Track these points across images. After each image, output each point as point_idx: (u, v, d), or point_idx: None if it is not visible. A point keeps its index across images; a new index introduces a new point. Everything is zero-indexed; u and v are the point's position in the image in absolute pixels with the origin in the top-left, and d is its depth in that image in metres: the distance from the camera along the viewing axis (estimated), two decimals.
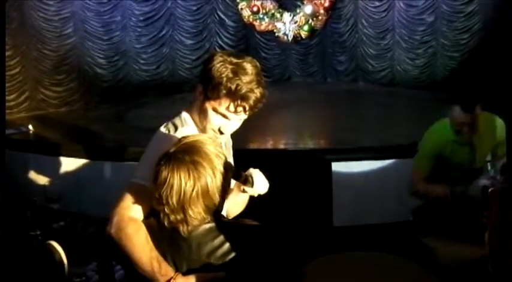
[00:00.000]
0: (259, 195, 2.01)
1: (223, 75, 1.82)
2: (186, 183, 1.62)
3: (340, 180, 4.91)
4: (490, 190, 2.72)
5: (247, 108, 1.87)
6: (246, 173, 1.93)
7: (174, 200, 1.63)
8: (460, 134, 3.15)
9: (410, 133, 4.74)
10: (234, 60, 1.85)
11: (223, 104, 1.87)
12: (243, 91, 1.82)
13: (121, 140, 6.04)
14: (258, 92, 1.85)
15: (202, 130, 1.96)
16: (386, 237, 4.20)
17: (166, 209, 1.65)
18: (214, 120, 1.92)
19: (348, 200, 4.91)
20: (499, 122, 3.24)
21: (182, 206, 1.64)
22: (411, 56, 8.87)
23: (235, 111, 1.88)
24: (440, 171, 3.32)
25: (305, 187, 4.90)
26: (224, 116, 1.90)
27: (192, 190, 1.63)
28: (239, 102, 1.84)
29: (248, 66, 1.85)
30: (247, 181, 1.90)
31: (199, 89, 1.92)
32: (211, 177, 1.65)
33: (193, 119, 1.99)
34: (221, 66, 1.83)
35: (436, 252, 2.88)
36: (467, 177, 3.14)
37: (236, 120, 1.93)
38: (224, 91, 1.83)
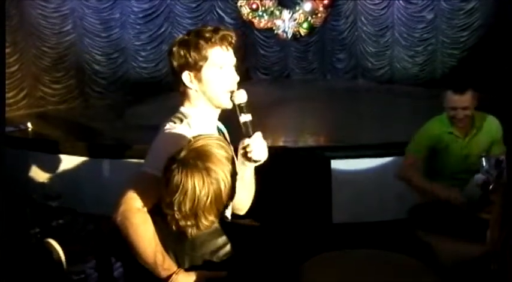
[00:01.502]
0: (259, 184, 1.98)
1: (191, 41, 1.90)
2: (200, 191, 1.59)
3: (339, 177, 4.90)
4: (491, 186, 2.73)
5: (229, 35, 1.93)
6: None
7: (188, 207, 1.60)
8: (455, 120, 3.15)
9: (409, 131, 4.72)
10: (185, 36, 1.94)
11: (214, 53, 1.91)
12: (211, 28, 1.92)
13: (120, 137, 6.03)
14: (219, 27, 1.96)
15: (217, 103, 1.96)
16: (386, 234, 4.20)
17: (177, 215, 1.62)
18: (221, 77, 1.93)
19: (347, 198, 4.90)
20: (495, 122, 3.25)
21: (195, 213, 1.61)
22: (411, 53, 8.86)
23: (226, 46, 1.93)
24: (431, 170, 3.32)
25: (304, 184, 4.89)
26: (223, 63, 1.93)
27: (207, 198, 1.60)
28: (218, 37, 1.90)
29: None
30: (247, 132, 1.91)
31: (186, 77, 1.92)
32: (224, 182, 1.63)
33: (197, 109, 1.96)
34: (182, 41, 1.92)
35: (436, 249, 2.87)
36: (458, 178, 3.15)
37: (232, 63, 1.96)
38: (203, 43, 1.88)
